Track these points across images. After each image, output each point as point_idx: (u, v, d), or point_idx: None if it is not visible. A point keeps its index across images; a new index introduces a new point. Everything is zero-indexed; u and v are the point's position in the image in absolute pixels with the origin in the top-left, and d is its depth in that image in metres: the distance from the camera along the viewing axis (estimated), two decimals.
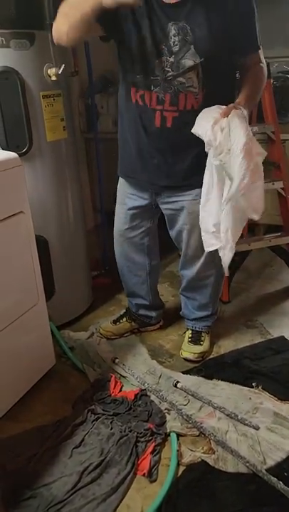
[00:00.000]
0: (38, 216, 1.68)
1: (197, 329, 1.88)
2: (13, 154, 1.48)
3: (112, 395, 1.61)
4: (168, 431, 1.44)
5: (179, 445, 1.40)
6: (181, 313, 1.96)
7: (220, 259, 1.53)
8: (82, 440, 1.42)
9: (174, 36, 1.38)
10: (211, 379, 1.68)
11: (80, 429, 1.46)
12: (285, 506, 1.20)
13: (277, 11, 2.63)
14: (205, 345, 1.84)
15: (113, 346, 1.92)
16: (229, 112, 1.33)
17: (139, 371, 1.73)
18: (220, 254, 1.49)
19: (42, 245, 1.78)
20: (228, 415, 1.49)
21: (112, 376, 1.69)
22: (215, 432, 1.42)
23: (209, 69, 1.40)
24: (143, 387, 1.63)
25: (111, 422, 1.48)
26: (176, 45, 1.38)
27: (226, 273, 1.60)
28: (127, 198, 1.72)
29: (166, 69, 1.41)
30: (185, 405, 1.55)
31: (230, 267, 1.89)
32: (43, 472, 1.32)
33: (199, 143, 1.37)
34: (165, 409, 1.53)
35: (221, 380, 1.66)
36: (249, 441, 1.39)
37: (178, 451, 1.37)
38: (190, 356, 1.80)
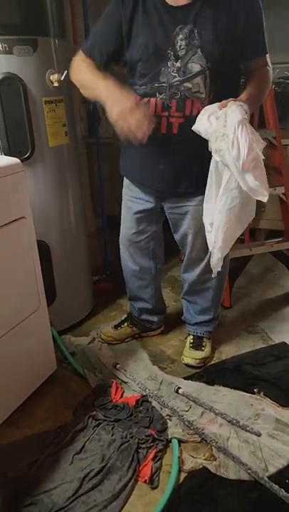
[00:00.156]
0: (39, 221, 1.68)
1: (198, 335, 1.87)
2: (15, 160, 1.48)
3: (114, 400, 1.60)
4: (169, 437, 1.44)
5: (181, 451, 1.39)
6: (182, 317, 1.96)
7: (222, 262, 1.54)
8: (83, 446, 1.41)
9: (181, 40, 1.36)
10: (213, 385, 1.67)
11: (81, 436, 1.46)
12: None
13: (279, 17, 2.65)
14: (206, 350, 1.84)
15: (114, 351, 1.91)
16: (226, 105, 1.30)
17: (140, 377, 1.73)
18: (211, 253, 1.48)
19: (43, 250, 1.78)
20: (229, 421, 1.49)
21: (113, 382, 1.68)
22: (216, 439, 1.42)
23: (216, 73, 1.39)
24: (144, 393, 1.63)
25: (112, 428, 1.47)
26: (183, 49, 1.36)
27: (213, 274, 1.53)
28: (132, 202, 1.71)
29: (173, 74, 1.39)
30: (186, 411, 1.54)
31: (231, 272, 1.91)
32: (44, 479, 1.31)
33: (206, 149, 1.34)
34: (166, 415, 1.53)
35: (223, 386, 1.66)
36: (251, 448, 1.39)
37: (179, 457, 1.37)
38: (191, 362, 1.80)
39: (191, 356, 1.81)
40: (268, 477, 1.29)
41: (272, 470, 1.31)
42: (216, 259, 1.47)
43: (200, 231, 1.57)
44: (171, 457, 1.37)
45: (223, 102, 1.31)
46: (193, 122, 1.38)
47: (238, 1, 1.36)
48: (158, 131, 1.44)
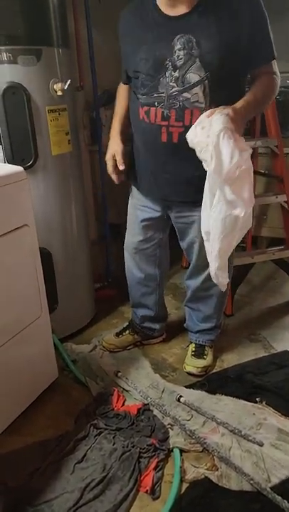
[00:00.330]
0: (41, 229, 1.69)
1: (200, 343, 1.87)
2: (18, 168, 1.49)
3: (115, 409, 1.60)
4: (171, 446, 1.43)
5: (182, 461, 1.39)
6: (185, 325, 1.95)
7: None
8: (85, 455, 1.41)
9: (179, 50, 1.36)
10: (215, 394, 1.67)
11: (83, 444, 1.45)
12: None
13: (281, 25, 2.66)
14: (208, 359, 1.84)
15: (116, 359, 1.91)
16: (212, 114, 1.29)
17: (142, 385, 1.72)
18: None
19: (45, 258, 1.79)
20: (231, 431, 1.48)
21: (114, 390, 1.68)
22: (218, 448, 1.41)
23: (216, 83, 1.37)
24: (146, 402, 1.62)
25: (113, 437, 1.47)
26: (181, 59, 1.37)
27: (215, 280, 1.52)
28: (139, 210, 1.72)
29: (171, 84, 1.40)
30: (188, 420, 1.54)
31: (233, 280, 1.91)
32: (45, 488, 1.31)
33: None
34: (168, 424, 1.52)
35: (225, 395, 1.65)
36: (253, 458, 1.38)
37: (181, 467, 1.36)
38: (193, 370, 1.79)
39: (193, 365, 1.81)
40: (270, 488, 1.28)
41: (274, 481, 1.31)
42: (214, 268, 1.46)
43: None
44: (173, 467, 1.37)
45: (211, 110, 1.31)
46: None
47: (240, 8, 1.33)
48: (158, 140, 1.48)
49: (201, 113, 1.38)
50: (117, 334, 2.00)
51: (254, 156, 2.40)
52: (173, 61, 1.38)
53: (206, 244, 1.46)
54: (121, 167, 1.66)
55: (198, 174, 1.48)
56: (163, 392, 1.68)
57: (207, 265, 1.68)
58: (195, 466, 1.37)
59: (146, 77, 1.44)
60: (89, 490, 1.29)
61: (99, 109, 2.42)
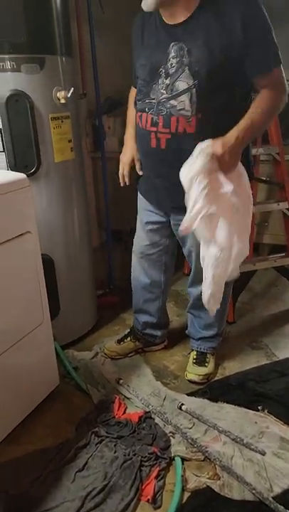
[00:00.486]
0: (44, 235, 1.69)
1: (202, 350, 1.86)
2: (21, 175, 1.49)
3: (116, 417, 1.59)
4: (172, 455, 1.42)
5: (184, 470, 1.38)
6: (186, 331, 1.95)
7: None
8: (86, 463, 1.40)
9: (173, 58, 1.38)
10: (216, 401, 1.66)
11: (84, 452, 1.45)
12: None
13: (284, 32, 2.68)
14: (210, 366, 1.83)
15: (117, 366, 1.90)
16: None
17: (143, 393, 1.71)
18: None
19: (48, 264, 1.79)
20: (233, 439, 1.47)
21: (116, 397, 1.67)
22: (220, 457, 1.40)
23: (205, 92, 1.36)
24: (147, 410, 1.62)
25: (115, 445, 1.46)
26: (174, 66, 1.38)
27: (206, 305, 1.54)
28: (143, 212, 1.75)
29: (162, 91, 1.42)
30: (190, 429, 1.53)
31: (234, 288, 1.91)
32: (46, 496, 1.30)
33: None
34: (170, 432, 1.51)
35: (226, 403, 1.65)
36: (255, 467, 1.37)
37: (183, 476, 1.35)
38: (195, 378, 1.79)
39: (195, 372, 1.80)
40: (272, 497, 1.27)
41: (277, 490, 1.30)
42: (207, 295, 1.47)
43: None
44: (175, 476, 1.36)
45: (202, 147, 1.31)
46: (180, 139, 1.42)
47: (233, 19, 1.29)
48: (149, 145, 1.51)
49: (188, 121, 1.40)
50: (119, 341, 1.99)
51: (256, 163, 2.41)
52: (166, 68, 1.40)
53: (203, 268, 1.47)
54: (140, 172, 1.70)
55: None
56: (164, 399, 1.68)
57: None
58: (197, 475, 1.36)
59: (143, 83, 1.47)
60: (90, 499, 1.28)
61: (101, 117, 2.44)
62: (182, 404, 1.62)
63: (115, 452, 1.43)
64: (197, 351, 1.87)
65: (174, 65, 1.38)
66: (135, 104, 1.57)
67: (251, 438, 1.48)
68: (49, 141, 1.74)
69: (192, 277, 1.78)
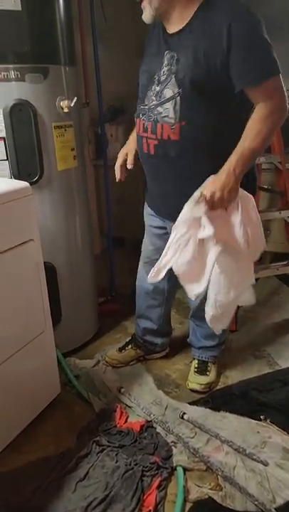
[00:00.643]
0: (46, 243, 1.69)
1: (203, 359, 1.86)
2: (24, 183, 1.50)
3: (118, 426, 1.58)
4: (174, 465, 1.41)
5: (186, 480, 1.37)
6: (188, 340, 1.94)
7: None
8: (87, 473, 1.39)
9: (165, 66, 1.40)
10: (219, 411, 1.65)
11: (85, 462, 1.44)
12: None
13: (281, 42, 2.70)
14: (211, 375, 1.82)
15: (119, 375, 1.90)
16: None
17: (145, 401, 1.71)
18: None
19: (50, 272, 1.79)
20: (236, 449, 1.46)
21: (117, 406, 1.66)
22: (222, 467, 1.39)
23: (188, 100, 1.36)
24: (149, 419, 1.61)
25: (116, 455, 1.45)
26: (164, 74, 1.40)
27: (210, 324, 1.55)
28: (147, 217, 1.76)
29: (152, 97, 1.45)
30: (192, 438, 1.52)
31: None
32: (47, 506, 1.29)
33: (184, 175, 1.43)
34: (171, 441, 1.50)
35: (229, 412, 1.64)
36: (258, 478, 1.36)
37: (184, 486, 1.34)
38: (196, 387, 1.78)
39: (196, 381, 1.79)
40: (275, 509, 1.26)
41: (279, 501, 1.28)
42: (209, 315, 1.48)
43: None
44: (176, 486, 1.35)
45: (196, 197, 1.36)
46: (165, 146, 1.44)
47: (222, 26, 1.27)
48: (142, 150, 1.54)
49: (171, 128, 1.41)
50: (120, 349, 1.99)
51: (258, 172, 2.41)
52: (159, 76, 1.42)
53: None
54: (129, 166, 1.68)
55: (174, 189, 1.53)
56: (166, 408, 1.67)
57: None
58: (199, 486, 1.35)
59: (141, 89, 1.51)
60: (91, 509, 1.27)
61: (104, 125, 2.45)
62: (184, 413, 1.62)
63: (117, 462, 1.43)
64: (198, 360, 1.87)
65: (164, 72, 1.41)
66: None
67: (254, 448, 1.47)
68: (52, 149, 1.75)
69: None
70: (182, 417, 1.61)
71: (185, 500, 1.30)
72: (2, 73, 1.59)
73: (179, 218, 1.39)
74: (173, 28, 1.40)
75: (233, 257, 1.41)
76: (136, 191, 2.65)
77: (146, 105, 1.47)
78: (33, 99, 1.65)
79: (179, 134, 1.40)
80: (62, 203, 1.86)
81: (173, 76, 1.37)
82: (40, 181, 1.74)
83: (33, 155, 1.70)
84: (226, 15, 1.28)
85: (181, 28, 1.38)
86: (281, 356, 1.98)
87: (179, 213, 1.42)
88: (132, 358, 1.97)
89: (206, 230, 1.35)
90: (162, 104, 1.41)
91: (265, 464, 1.40)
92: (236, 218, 1.38)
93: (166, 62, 1.40)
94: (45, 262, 1.63)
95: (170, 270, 1.80)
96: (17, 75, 1.60)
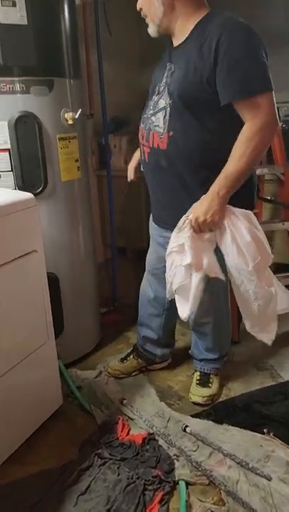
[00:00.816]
0: (49, 254, 1.69)
1: (205, 371, 1.85)
2: (28, 194, 1.51)
3: (120, 438, 1.57)
4: (176, 479, 1.40)
5: (188, 495, 1.35)
6: (190, 351, 1.93)
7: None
8: (88, 486, 1.38)
9: (164, 78, 1.46)
10: (221, 423, 1.64)
11: (87, 475, 1.42)
12: None
13: (284, 55, 2.73)
14: (214, 387, 1.81)
15: (121, 386, 1.89)
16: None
17: (147, 413, 1.70)
18: None
19: (52, 283, 1.79)
20: (238, 463, 1.45)
21: (119, 418, 1.65)
22: (225, 481, 1.38)
23: (177, 112, 1.40)
24: (151, 431, 1.60)
25: (118, 468, 1.44)
26: (162, 85, 1.47)
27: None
28: (151, 225, 1.78)
29: (150, 107, 1.51)
30: (194, 451, 1.51)
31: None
32: None
33: (177, 185, 1.47)
34: (174, 455, 1.49)
35: (232, 425, 1.62)
36: (261, 493, 1.34)
37: (187, 501, 1.33)
38: (199, 400, 1.76)
39: (198, 394, 1.78)
40: None
41: None
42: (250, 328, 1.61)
43: None
44: (179, 500, 1.33)
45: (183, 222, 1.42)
46: (156, 154, 1.49)
47: (212, 40, 1.29)
48: (141, 157, 1.62)
49: (160, 138, 1.46)
50: (122, 360, 1.98)
51: (261, 183, 2.42)
52: (159, 86, 1.48)
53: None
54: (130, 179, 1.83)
55: (168, 198, 1.56)
56: (168, 421, 1.66)
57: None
58: (201, 501, 1.34)
59: (148, 98, 1.56)
60: None
61: (108, 136, 2.47)
62: (186, 426, 1.60)
63: (118, 475, 1.41)
64: (200, 372, 1.86)
65: (162, 84, 1.47)
66: None
67: (257, 462, 1.45)
68: (56, 160, 1.77)
69: None
70: (185, 430, 1.59)
71: None
72: (8, 86, 1.61)
73: (168, 247, 1.45)
74: (177, 41, 1.46)
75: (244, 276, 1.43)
76: (138, 201, 2.66)
77: (145, 114, 1.54)
78: (38, 111, 1.67)
79: (166, 143, 1.45)
80: (66, 213, 1.87)
81: (166, 87, 1.44)
82: (44, 192, 1.75)
83: (38, 166, 1.71)
84: (218, 27, 1.31)
85: (182, 41, 1.43)
86: (284, 368, 1.97)
87: (174, 224, 1.45)
88: (134, 368, 1.97)
89: (186, 258, 1.39)
90: (156, 113, 1.47)
91: (269, 479, 1.39)
92: (227, 238, 1.39)
93: (165, 74, 1.47)
94: (48, 273, 1.63)
95: None
96: (22, 87, 1.62)
